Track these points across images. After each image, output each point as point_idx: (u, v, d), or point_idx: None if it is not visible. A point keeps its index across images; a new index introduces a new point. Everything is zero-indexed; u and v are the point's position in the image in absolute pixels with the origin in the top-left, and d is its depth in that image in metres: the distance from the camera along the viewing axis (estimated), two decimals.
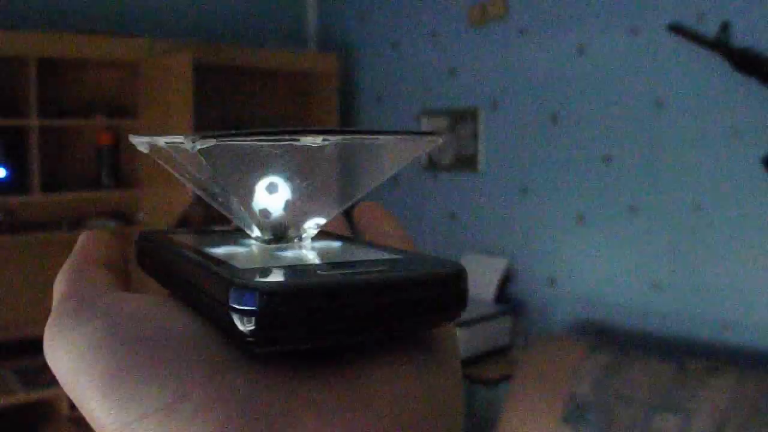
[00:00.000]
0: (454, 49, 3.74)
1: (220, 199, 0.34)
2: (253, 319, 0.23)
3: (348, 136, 0.30)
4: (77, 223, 3.60)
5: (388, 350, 0.26)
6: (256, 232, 0.33)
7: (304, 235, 0.34)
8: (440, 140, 0.32)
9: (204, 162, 0.29)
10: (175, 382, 0.23)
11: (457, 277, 0.27)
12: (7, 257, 3.53)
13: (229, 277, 0.25)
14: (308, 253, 0.32)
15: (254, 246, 0.33)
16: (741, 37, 2.74)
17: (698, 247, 2.93)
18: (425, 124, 3.87)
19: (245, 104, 4.07)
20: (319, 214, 0.33)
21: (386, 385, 0.25)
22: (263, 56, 3.90)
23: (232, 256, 0.30)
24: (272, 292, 0.23)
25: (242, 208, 0.32)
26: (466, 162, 3.73)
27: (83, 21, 3.62)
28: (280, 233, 0.33)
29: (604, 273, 3.19)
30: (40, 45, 3.28)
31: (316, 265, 0.29)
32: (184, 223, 3.43)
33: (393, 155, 0.32)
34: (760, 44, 2.70)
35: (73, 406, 3.15)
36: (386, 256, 0.30)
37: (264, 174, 0.31)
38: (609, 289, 3.17)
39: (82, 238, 0.33)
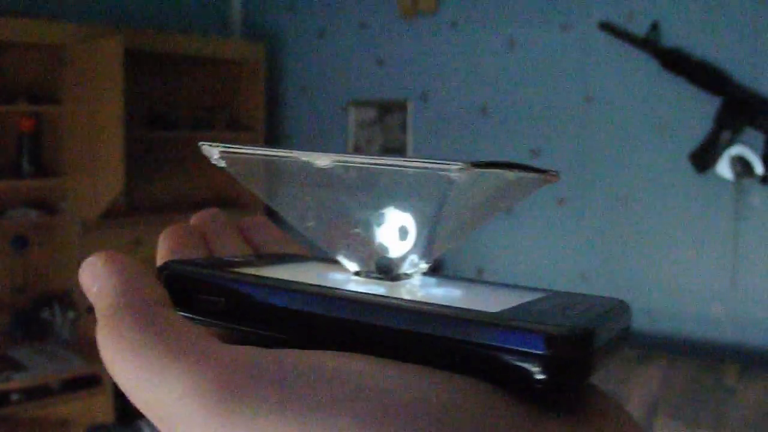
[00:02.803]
0: (383, 40, 3.75)
1: (310, 224, 0.32)
2: (550, 363, 0.23)
3: (490, 170, 0.27)
4: None
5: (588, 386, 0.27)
6: (353, 267, 0.32)
7: (411, 272, 0.31)
8: (558, 179, 0.31)
9: (356, 198, 0.29)
10: None
11: (629, 309, 0.29)
12: None
13: (520, 323, 0.24)
14: (453, 291, 0.32)
15: (371, 283, 0.31)
16: (670, 37, 2.84)
17: (625, 239, 3.03)
18: (353, 114, 3.89)
19: (171, 92, 4.00)
20: (422, 252, 0.31)
21: (609, 420, 0.25)
22: (189, 43, 3.84)
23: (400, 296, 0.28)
24: (563, 335, 0.23)
25: (349, 241, 0.31)
26: (393, 153, 3.76)
27: (5, 1, 3.50)
28: (388, 270, 0.31)
29: (532, 263, 3.27)
30: None
31: (554, 305, 0.27)
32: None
33: (515, 191, 0.31)
34: (688, 44, 2.80)
35: None
36: (542, 294, 0.30)
37: (385, 207, 0.30)
38: (537, 280, 3.24)
39: (116, 268, 0.27)
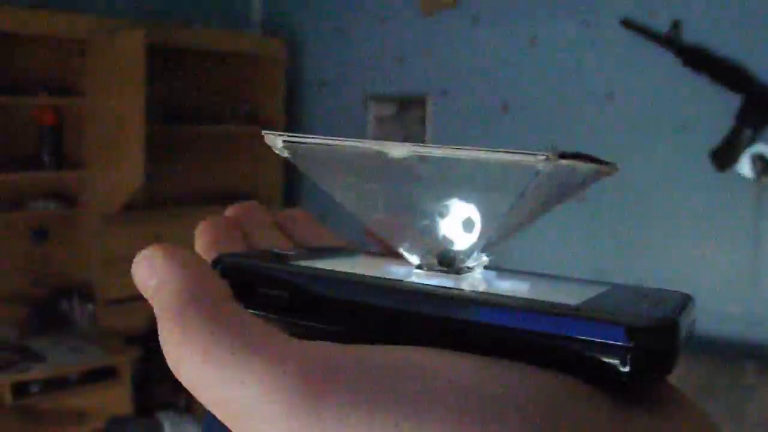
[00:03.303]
0: (403, 36, 3.75)
1: (375, 215, 0.32)
2: (630, 356, 0.23)
3: (573, 161, 0.27)
4: (17, 205, 3.51)
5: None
6: (414, 260, 0.31)
7: (472, 265, 0.31)
8: (617, 170, 0.31)
9: (426, 190, 0.29)
10: None
11: (693, 301, 0.28)
12: None
13: (601, 315, 0.24)
14: (526, 285, 0.32)
15: (432, 275, 0.30)
16: (691, 34, 2.82)
17: (644, 236, 3.02)
18: (373, 109, 3.89)
19: (192, 86, 4.02)
20: (484, 245, 0.30)
21: (685, 415, 0.25)
22: (211, 38, 3.86)
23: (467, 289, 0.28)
24: (644, 327, 0.23)
25: (411, 234, 0.31)
26: None
27: None
28: (448, 262, 0.30)
29: (550, 259, 3.26)
30: None
31: (629, 299, 0.27)
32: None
33: (579, 183, 0.31)
34: (710, 41, 2.78)
35: (18, 394, 3.10)
36: (605, 288, 0.30)
37: (454, 196, 0.30)
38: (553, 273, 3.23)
39: (179, 262, 0.26)
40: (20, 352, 3.18)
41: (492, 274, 0.31)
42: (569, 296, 0.26)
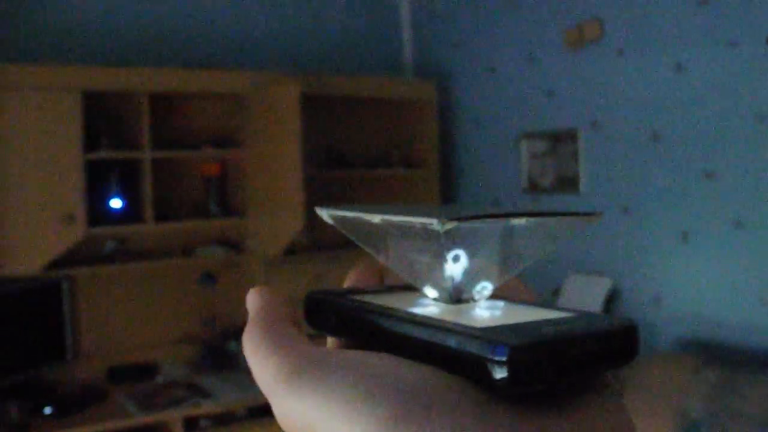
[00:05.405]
0: (551, 72, 3.77)
1: (411, 265, 0.39)
2: (506, 367, 0.29)
3: (543, 218, 0.37)
4: (188, 251, 3.74)
5: (582, 391, 0.33)
6: (433, 294, 0.39)
7: (477, 297, 0.39)
8: (599, 219, 0.38)
9: (428, 241, 0.36)
10: (452, 421, 0.29)
11: (635, 330, 0.34)
12: (120, 285, 3.70)
13: (487, 335, 0.30)
14: (496, 312, 0.38)
15: (441, 306, 0.39)
16: None
17: None
18: (525, 147, 3.92)
19: (347, 132, 4.17)
20: (488, 281, 0.39)
21: (599, 420, 0.32)
22: (363, 85, 4.00)
23: (440, 315, 0.36)
24: (521, 346, 0.29)
25: (430, 274, 0.39)
26: (567, 183, 3.75)
27: (191, 56, 3.78)
28: (459, 296, 0.38)
29: (711, 290, 3.16)
30: (151, 80, 3.45)
31: (536, 323, 0.34)
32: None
33: (558, 232, 0.39)
34: None
35: (189, 428, 3.28)
36: (566, 314, 0.36)
37: (454, 246, 0.37)
38: (716, 307, 3.13)
39: (258, 296, 0.38)
40: (191, 389, 3.36)
41: (487, 303, 0.39)
42: (493, 321, 0.35)
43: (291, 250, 3.72)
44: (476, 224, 0.35)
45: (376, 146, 4.24)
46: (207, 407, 3.27)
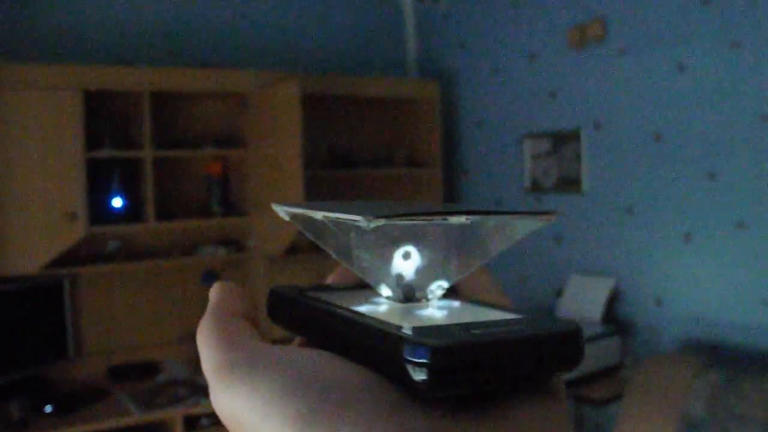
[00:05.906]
0: (554, 72, 3.76)
1: (359, 263, 0.38)
2: (426, 370, 0.28)
3: (485, 216, 0.35)
4: (189, 250, 3.74)
5: (520, 394, 0.32)
6: (387, 292, 0.38)
7: (430, 297, 0.38)
8: (554, 218, 0.37)
9: (370, 238, 0.35)
10: (365, 421, 0.28)
11: (578, 334, 0.32)
12: (122, 284, 3.70)
13: (408, 336, 0.29)
14: (442, 312, 0.38)
15: (392, 305, 0.38)
16: None
17: None
18: (528, 147, 3.91)
19: (350, 131, 4.17)
20: (443, 279, 0.38)
21: (525, 424, 0.31)
22: (366, 85, 3.99)
23: (382, 314, 0.36)
24: (442, 348, 0.28)
25: (380, 272, 0.38)
26: (570, 183, 3.74)
27: (193, 56, 3.78)
28: (410, 294, 0.38)
29: (713, 291, 3.15)
30: (153, 79, 3.45)
31: (468, 324, 0.32)
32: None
33: (512, 231, 0.37)
34: None
35: (189, 427, 3.28)
36: (512, 316, 0.35)
37: (402, 244, 0.37)
38: (718, 308, 3.12)
39: (218, 290, 0.38)
40: (192, 388, 3.36)
41: (438, 303, 0.39)
42: (434, 322, 0.35)
43: (292, 250, 3.72)
44: (405, 222, 0.34)
45: (379, 146, 4.23)
46: (207, 406, 3.26)
